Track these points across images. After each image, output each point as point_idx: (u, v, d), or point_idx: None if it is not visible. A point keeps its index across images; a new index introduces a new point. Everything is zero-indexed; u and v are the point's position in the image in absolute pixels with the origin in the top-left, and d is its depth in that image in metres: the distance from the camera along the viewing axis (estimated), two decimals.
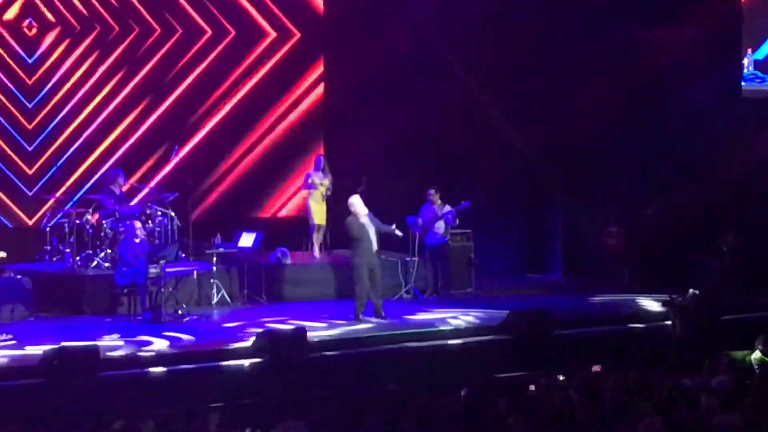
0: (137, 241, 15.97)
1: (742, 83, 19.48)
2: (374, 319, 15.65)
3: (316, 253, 18.29)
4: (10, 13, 18.42)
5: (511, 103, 19.70)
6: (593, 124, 19.15)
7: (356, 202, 15.82)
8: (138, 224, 16.20)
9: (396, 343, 14.57)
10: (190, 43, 19.73)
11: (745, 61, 19.46)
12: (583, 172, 19.51)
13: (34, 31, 18.60)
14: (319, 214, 18.18)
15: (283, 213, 20.40)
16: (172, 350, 13.82)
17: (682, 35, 19.12)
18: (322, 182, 18.13)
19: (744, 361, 12.06)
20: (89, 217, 17.12)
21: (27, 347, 13.73)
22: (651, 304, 16.67)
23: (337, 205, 17.90)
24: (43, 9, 18.61)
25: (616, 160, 19.44)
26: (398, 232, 16.50)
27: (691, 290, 15.83)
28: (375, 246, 15.77)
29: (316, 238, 18.29)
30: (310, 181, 18.23)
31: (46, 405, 12.03)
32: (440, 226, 17.62)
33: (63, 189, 17.94)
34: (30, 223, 18.43)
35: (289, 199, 20.38)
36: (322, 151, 19.68)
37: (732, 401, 9.47)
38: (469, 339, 14.88)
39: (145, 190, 18.44)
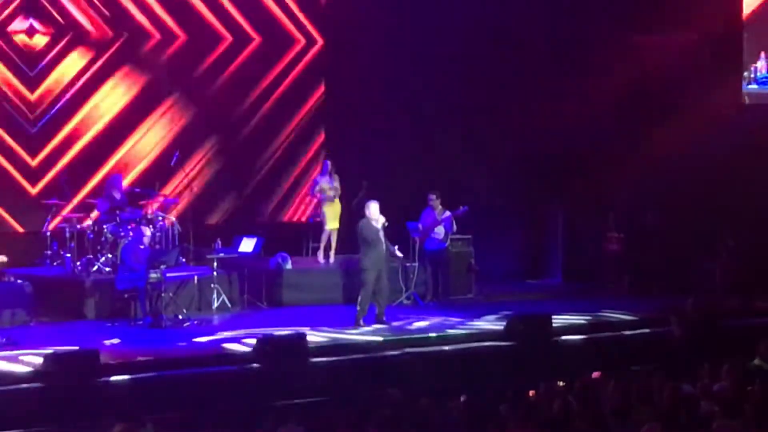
0: (142, 247, 15.97)
1: (756, 86, 19.44)
2: (375, 325, 15.66)
3: (321, 258, 18.30)
4: (13, 18, 18.42)
5: (511, 109, 19.71)
6: (594, 129, 19.17)
7: (373, 207, 15.82)
8: (148, 231, 16.20)
9: (396, 348, 14.56)
10: (192, 48, 19.74)
11: (759, 64, 19.42)
12: (584, 177, 19.52)
13: (38, 35, 18.60)
14: (332, 218, 18.16)
15: (284, 218, 20.40)
16: (172, 355, 13.82)
17: (684, 41, 19.14)
18: (331, 187, 18.13)
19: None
20: (89, 221, 17.12)
21: (27, 352, 13.72)
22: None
23: (342, 210, 17.99)
24: (46, 14, 18.60)
25: (616, 165, 19.44)
26: (399, 254, 16.48)
27: (691, 296, 15.85)
28: (385, 251, 15.80)
29: (324, 243, 18.28)
30: (318, 188, 18.21)
31: (45, 409, 12.03)
32: (440, 231, 17.63)
33: (65, 194, 17.91)
34: (32, 228, 18.41)
35: (290, 205, 20.39)
36: (324, 154, 19.79)
37: (732, 407, 9.47)
38: (469, 345, 14.89)
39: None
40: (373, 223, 15.71)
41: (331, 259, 18.32)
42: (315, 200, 18.64)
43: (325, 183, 18.17)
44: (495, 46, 19.62)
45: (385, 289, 15.91)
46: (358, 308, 15.68)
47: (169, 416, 11.47)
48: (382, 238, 15.73)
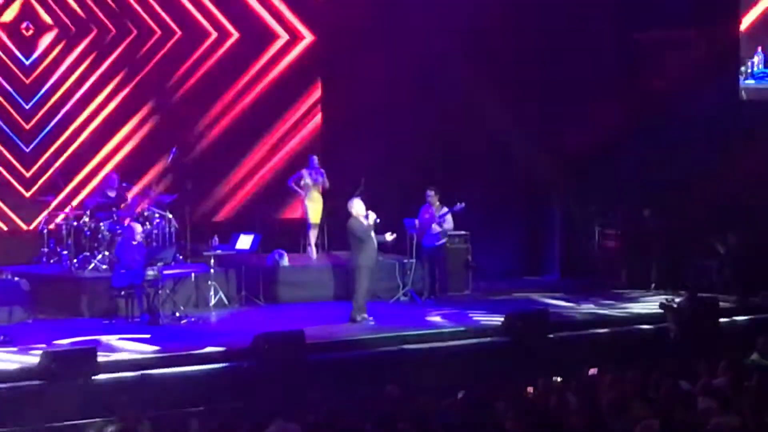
0: (135, 243, 15.95)
1: (753, 81, 19.40)
2: (371, 321, 15.64)
3: (312, 254, 18.29)
4: (8, 15, 18.40)
5: (511, 107, 19.70)
6: (592, 127, 19.17)
7: (356, 205, 15.80)
8: (138, 228, 16.18)
9: (393, 345, 14.57)
10: (188, 45, 19.72)
11: (756, 59, 19.39)
12: (581, 174, 19.51)
13: (32, 32, 18.58)
14: (314, 212, 18.16)
15: (280, 215, 20.38)
16: (169, 352, 13.81)
17: (682, 38, 19.14)
18: (315, 182, 18.12)
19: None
20: (86, 218, 17.11)
21: (24, 349, 13.71)
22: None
23: (335, 206, 17.94)
24: (41, 11, 18.59)
25: (614, 162, 19.44)
26: (389, 237, 16.14)
27: (688, 292, 15.86)
28: (376, 247, 15.80)
29: (313, 238, 18.27)
30: (303, 182, 18.18)
31: (43, 407, 12.01)
32: (437, 227, 17.62)
33: (60, 191, 17.89)
34: (27, 225, 18.40)
35: (286, 202, 20.39)
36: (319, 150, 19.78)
37: (730, 403, 9.47)
38: (466, 341, 14.88)
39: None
40: (362, 219, 15.69)
41: (314, 255, 18.27)
42: (294, 191, 18.50)
43: (309, 177, 18.14)
44: (494, 44, 19.61)
45: (372, 284, 15.96)
46: (355, 305, 15.67)
47: (166, 414, 11.47)
48: (373, 235, 15.72)
